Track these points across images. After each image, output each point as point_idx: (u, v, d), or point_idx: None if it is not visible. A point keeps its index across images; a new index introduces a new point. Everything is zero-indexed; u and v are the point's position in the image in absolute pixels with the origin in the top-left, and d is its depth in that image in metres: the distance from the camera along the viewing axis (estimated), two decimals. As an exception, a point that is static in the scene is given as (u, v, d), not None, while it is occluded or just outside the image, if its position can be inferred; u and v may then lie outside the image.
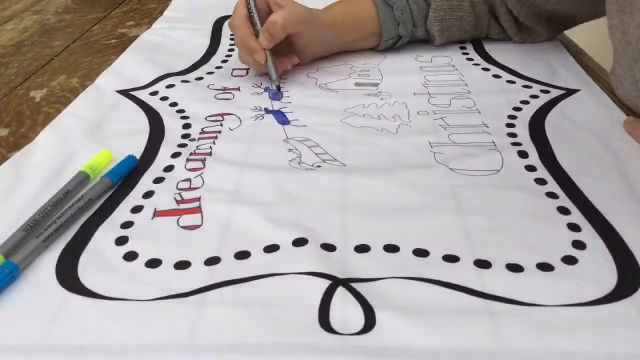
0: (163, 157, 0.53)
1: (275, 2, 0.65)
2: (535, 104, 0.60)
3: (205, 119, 0.59)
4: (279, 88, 0.64)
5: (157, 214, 0.45)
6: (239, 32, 0.64)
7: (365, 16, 0.70)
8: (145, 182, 0.49)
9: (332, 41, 0.70)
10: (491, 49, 0.74)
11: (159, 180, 0.49)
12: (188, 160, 0.52)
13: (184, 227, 0.44)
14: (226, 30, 0.84)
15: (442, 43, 0.73)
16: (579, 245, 0.41)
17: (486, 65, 0.69)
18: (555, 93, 0.62)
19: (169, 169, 0.51)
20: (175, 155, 0.53)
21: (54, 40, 0.84)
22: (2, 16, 0.95)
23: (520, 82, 0.65)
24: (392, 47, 0.73)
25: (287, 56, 0.67)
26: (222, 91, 0.65)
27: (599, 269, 0.39)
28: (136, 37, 0.82)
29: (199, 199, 0.47)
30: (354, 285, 0.38)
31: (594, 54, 0.74)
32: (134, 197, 0.47)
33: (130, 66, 0.72)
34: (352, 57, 0.73)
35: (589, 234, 0.42)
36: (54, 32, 0.87)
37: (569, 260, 0.40)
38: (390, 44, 0.73)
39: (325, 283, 0.38)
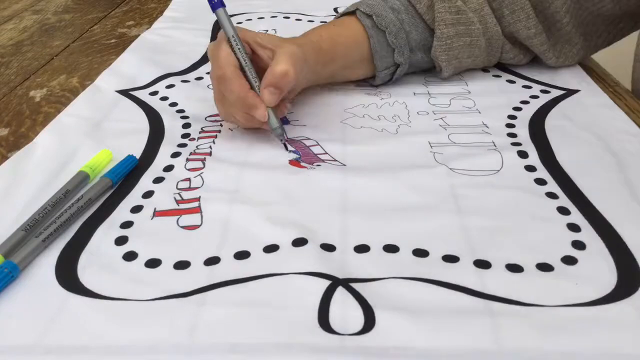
0: (163, 157, 0.53)
1: (258, 44, 0.55)
2: (535, 104, 0.60)
3: (205, 119, 0.59)
4: (285, 144, 0.55)
5: (156, 213, 0.45)
6: (233, 87, 0.52)
7: (355, 39, 0.61)
8: (145, 182, 0.49)
9: (320, 70, 0.59)
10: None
11: (158, 180, 0.49)
12: (188, 160, 0.52)
13: (184, 227, 0.44)
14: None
15: (450, 75, 0.65)
16: (578, 245, 0.41)
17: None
18: (555, 93, 0.62)
19: (168, 168, 0.51)
20: (175, 155, 0.53)
21: (54, 40, 0.84)
22: (2, 16, 0.95)
23: (520, 82, 0.65)
24: (390, 80, 0.65)
25: (279, 104, 0.55)
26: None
27: (598, 269, 0.39)
28: (136, 37, 0.82)
29: (198, 199, 0.47)
30: (353, 285, 0.38)
31: (595, 54, 0.74)
32: (134, 196, 0.47)
33: (130, 66, 0.72)
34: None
35: (588, 234, 0.42)
36: (53, 32, 0.87)
37: (569, 260, 0.40)
38: (386, 74, 0.64)
39: (324, 283, 0.38)
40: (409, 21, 0.63)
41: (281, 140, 0.54)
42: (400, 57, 0.62)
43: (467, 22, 0.62)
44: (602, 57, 0.73)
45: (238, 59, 0.54)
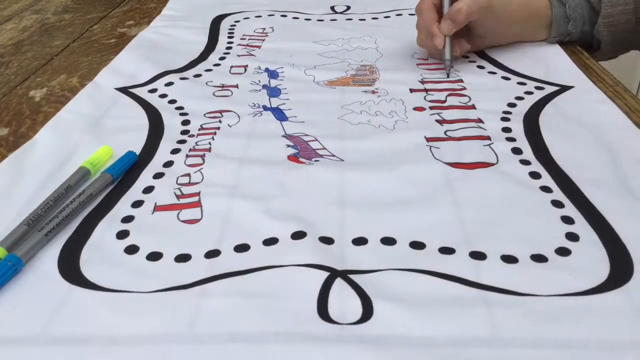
0: (162, 153, 0.53)
1: None
2: (530, 100, 0.61)
3: (204, 115, 0.60)
4: (448, 75, 0.67)
5: (157, 208, 0.46)
6: (423, 17, 0.67)
7: (539, 9, 0.71)
8: (145, 178, 0.50)
9: (510, 28, 0.71)
10: (487, 46, 0.74)
11: (158, 175, 0.50)
12: (187, 156, 0.53)
13: (184, 221, 0.44)
14: (224, 28, 0.85)
15: (609, 55, 0.75)
16: (572, 237, 0.42)
17: (482, 62, 0.70)
18: (549, 89, 0.63)
19: (168, 164, 0.52)
20: (175, 151, 0.54)
21: (54, 40, 0.84)
22: (2, 15, 0.95)
23: (515, 79, 0.66)
24: (562, 41, 0.74)
25: (458, 42, 0.69)
26: (220, 88, 0.66)
27: (591, 260, 0.39)
28: (136, 36, 0.82)
29: (198, 194, 0.47)
30: (351, 276, 0.38)
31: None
32: (134, 192, 0.48)
33: (129, 64, 0.72)
34: (350, 55, 0.74)
35: (582, 226, 0.43)
36: (53, 32, 0.88)
37: (563, 251, 0.40)
38: (556, 41, 0.73)
39: (323, 274, 0.38)
40: None
41: (447, 71, 0.67)
42: (573, 28, 0.72)
43: (625, 3, 0.69)
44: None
45: None
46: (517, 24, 0.71)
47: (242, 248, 0.41)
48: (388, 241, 0.42)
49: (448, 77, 0.66)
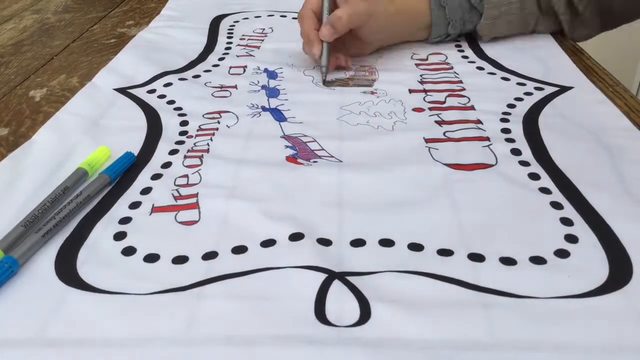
0: (161, 154, 0.53)
1: None
2: (529, 101, 0.61)
3: (203, 116, 0.60)
4: (324, 82, 0.67)
5: (155, 209, 0.46)
6: (302, 24, 0.68)
7: (420, 13, 0.72)
8: (143, 179, 0.50)
9: (392, 32, 0.72)
10: (486, 46, 0.74)
11: (156, 176, 0.50)
12: (186, 157, 0.53)
13: (182, 223, 0.44)
14: (223, 29, 0.84)
15: (488, 40, 0.76)
16: (571, 239, 0.41)
17: (481, 63, 0.70)
18: (549, 90, 0.63)
19: (166, 165, 0.51)
20: (173, 152, 0.54)
21: (54, 40, 0.84)
22: (2, 15, 0.95)
23: (515, 79, 0.66)
24: (441, 42, 0.76)
25: (344, 55, 0.70)
26: (219, 89, 0.66)
27: (590, 262, 0.39)
28: (135, 37, 0.82)
29: (196, 195, 0.47)
30: (349, 278, 0.38)
31: (595, 54, 0.74)
32: (132, 193, 0.48)
33: (128, 64, 0.72)
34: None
35: (581, 228, 0.42)
36: (53, 32, 0.88)
37: (562, 253, 0.40)
38: (437, 41, 0.75)
39: (321, 276, 0.38)
40: None
41: (323, 78, 0.67)
42: (452, 30, 0.74)
43: (508, 2, 0.72)
44: (603, 57, 0.73)
45: (322, 1, 0.67)
46: (398, 28, 0.73)
47: (239, 250, 0.41)
48: (386, 243, 0.42)
49: (324, 83, 0.66)
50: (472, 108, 0.60)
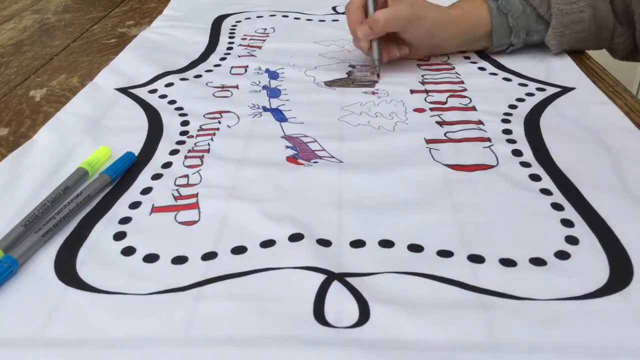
0: (161, 154, 0.53)
1: None
2: (531, 102, 0.61)
3: (204, 116, 0.60)
4: (378, 75, 0.67)
5: (155, 209, 0.46)
6: (349, 17, 0.67)
7: (480, 21, 0.69)
8: (143, 179, 0.50)
9: (447, 40, 0.70)
10: (488, 47, 0.74)
11: (157, 176, 0.50)
12: (186, 157, 0.53)
13: (182, 223, 0.44)
14: (225, 29, 0.84)
15: (559, 52, 0.71)
16: (572, 240, 0.41)
17: (483, 63, 0.70)
18: (551, 91, 0.63)
19: (167, 165, 0.51)
20: (174, 152, 0.54)
21: (54, 40, 0.84)
22: (2, 15, 0.95)
23: (517, 80, 0.66)
24: (505, 51, 0.72)
25: (399, 46, 0.68)
26: (220, 89, 0.66)
27: (591, 264, 0.39)
28: (136, 36, 0.82)
29: (196, 195, 0.47)
30: (349, 279, 0.38)
31: (595, 54, 0.74)
32: (132, 193, 0.48)
33: (129, 64, 0.72)
34: (350, 55, 0.73)
35: (582, 229, 0.42)
36: (53, 32, 0.88)
37: (562, 255, 0.40)
38: (502, 49, 0.72)
39: (320, 277, 0.38)
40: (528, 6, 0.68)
41: (376, 71, 0.67)
42: (516, 39, 0.70)
43: (579, 11, 0.67)
44: (603, 57, 0.73)
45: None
46: (454, 37, 0.70)
47: (239, 250, 0.41)
48: (386, 244, 0.41)
49: (378, 77, 0.67)
50: (474, 109, 0.60)
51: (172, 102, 0.63)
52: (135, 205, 0.46)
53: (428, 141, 0.54)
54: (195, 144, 0.55)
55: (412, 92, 0.64)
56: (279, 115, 0.60)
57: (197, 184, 0.49)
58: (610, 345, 0.33)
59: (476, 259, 0.40)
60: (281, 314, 0.36)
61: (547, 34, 0.69)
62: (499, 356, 0.33)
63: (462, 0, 0.71)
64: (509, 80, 0.66)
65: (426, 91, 0.64)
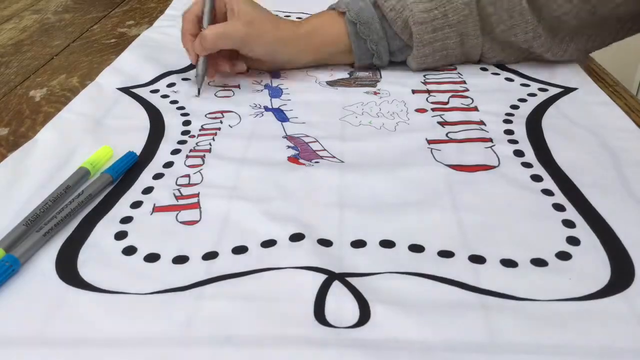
0: (163, 154, 0.53)
1: (230, 8, 0.62)
2: (533, 102, 0.60)
3: (205, 116, 0.60)
4: (199, 91, 0.64)
5: (156, 209, 0.46)
6: (182, 27, 0.64)
7: (333, 38, 0.67)
8: (144, 178, 0.50)
9: (295, 57, 0.67)
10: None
11: (158, 176, 0.50)
12: (187, 156, 0.53)
13: (183, 223, 0.44)
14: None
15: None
16: (573, 241, 0.41)
17: (485, 64, 0.70)
18: (553, 91, 0.63)
19: (168, 165, 0.51)
20: (175, 151, 0.54)
21: (54, 40, 0.84)
22: (2, 15, 0.95)
23: (519, 80, 0.66)
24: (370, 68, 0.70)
25: (233, 61, 0.66)
26: (222, 88, 0.66)
27: (592, 265, 0.39)
28: (136, 36, 0.82)
29: (197, 195, 0.47)
30: (349, 279, 0.38)
31: (594, 54, 0.74)
32: (134, 192, 0.48)
33: (132, 64, 0.72)
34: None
35: (583, 230, 0.42)
36: (53, 32, 0.88)
37: (563, 256, 0.40)
38: (364, 68, 0.69)
39: (321, 277, 0.38)
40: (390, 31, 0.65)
41: (198, 87, 0.64)
42: (377, 61, 0.68)
43: (444, 38, 0.65)
44: (602, 57, 0.73)
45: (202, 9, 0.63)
46: (304, 53, 0.67)
47: (240, 250, 0.41)
48: (387, 244, 0.41)
49: (198, 94, 0.64)
50: (476, 109, 0.60)
51: (174, 102, 0.63)
52: (136, 204, 0.46)
53: (430, 141, 0.54)
54: (196, 143, 0.55)
55: (413, 92, 0.64)
56: (280, 115, 0.60)
57: (198, 184, 0.49)
58: (611, 346, 0.33)
59: (477, 259, 0.40)
60: (282, 314, 0.36)
61: (409, 58, 0.67)
62: (499, 357, 0.33)
63: (314, 15, 0.68)
64: (511, 80, 0.66)
65: (428, 91, 0.64)
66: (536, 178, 0.48)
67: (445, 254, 0.40)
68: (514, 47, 0.66)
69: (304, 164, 0.51)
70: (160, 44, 0.79)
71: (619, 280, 0.38)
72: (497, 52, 0.67)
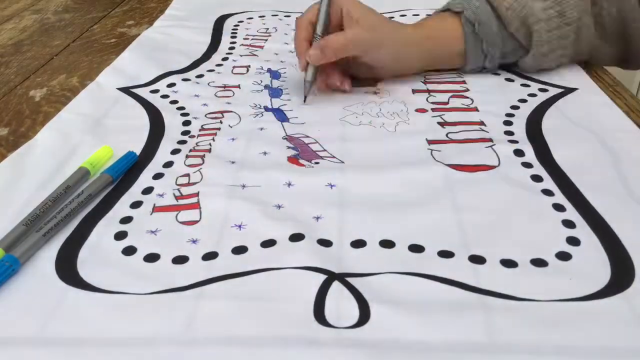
0: (163, 154, 0.53)
1: (348, 15, 0.60)
2: (533, 102, 0.60)
3: (205, 116, 0.60)
4: (305, 99, 0.62)
5: (156, 209, 0.46)
6: (296, 34, 0.62)
7: (451, 41, 0.65)
8: (144, 178, 0.50)
9: (413, 61, 0.66)
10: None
11: (158, 176, 0.50)
12: (187, 156, 0.53)
13: (183, 223, 0.44)
14: (227, 29, 0.84)
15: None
16: (573, 241, 0.41)
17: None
18: (553, 92, 0.63)
19: (168, 165, 0.51)
20: (175, 151, 0.53)
21: (54, 40, 0.84)
22: (2, 15, 0.95)
23: (519, 80, 0.65)
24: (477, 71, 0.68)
25: (343, 77, 0.64)
26: (222, 89, 0.66)
27: (592, 265, 0.39)
28: (136, 36, 0.82)
29: (197, 194, 0.47)
30: (349, 279, 0.38)
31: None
32: (134, 192, 0.48)
33: (132, 64, 0.72)
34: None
35: (583, 230, 0.42)
36: (53, 32, 0.88)
37: (563, 256, 0.40)
38: (474, 70, 0.67)
39: (321, 277, 0.38)
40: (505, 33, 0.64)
41: (305, 94, 0.62)
42: (489, 64, 0.66)
43: (563, 36, 0.63)
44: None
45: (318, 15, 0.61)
46: (421, 57, 0.65)
47: (239, 250, 0.41)
48: (387, 244, 0.41)
49: (305, 101, 0.62)
50: (476, 109, 0.60)
51: (174, 102, 0.63)
52: (136, 204, 0.46)
53: (430, 142, 0.54)
54: (196, 143, 0.55)
55: (414, 92, 0.64)
56: (280, 115, 0.60)
57: (198, 184, 0.49)
58: (611, 346, 0.33)
59: (477, 259, 0.40)
60: (281, 314, 0.36)
61: (524, 59, 0.65)
62: (499, 357, 0.33)
63: (431, 18, 0.67)
64: (511, 80, 0.65)
65: (428, 91, 0.64)
66: (536, 178, 0.48)
67: (445, 254, 0.40)
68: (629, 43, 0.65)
69: (304, 165, 0.51)
70: (160, 44, 0.79)
71: (619, 281, 0.38)
72: (606, 49, 0.66)
